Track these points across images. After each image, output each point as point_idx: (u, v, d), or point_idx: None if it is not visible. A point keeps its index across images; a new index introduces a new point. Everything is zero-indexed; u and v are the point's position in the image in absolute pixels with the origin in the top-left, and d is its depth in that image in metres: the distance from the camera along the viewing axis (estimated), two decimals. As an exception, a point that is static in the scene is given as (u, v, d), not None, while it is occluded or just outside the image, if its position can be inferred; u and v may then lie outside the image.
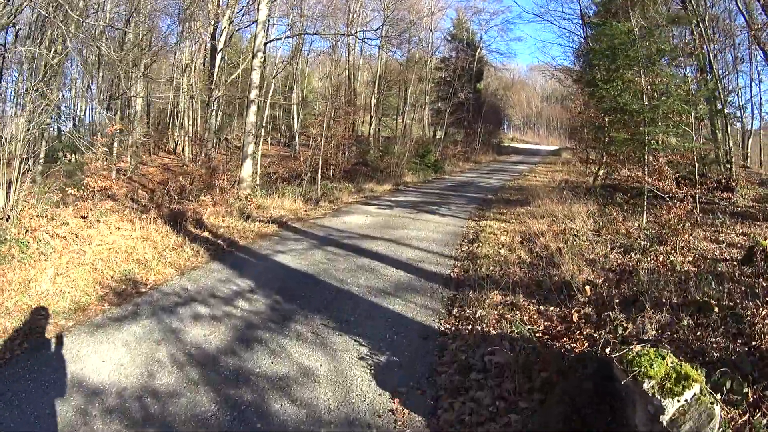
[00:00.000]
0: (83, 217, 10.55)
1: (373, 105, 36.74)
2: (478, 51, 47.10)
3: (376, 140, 35.90)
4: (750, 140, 25.30)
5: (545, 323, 6.03)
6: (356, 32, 32.62)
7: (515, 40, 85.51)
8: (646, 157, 12.20)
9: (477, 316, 6.29)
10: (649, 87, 12.16)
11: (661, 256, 8.72)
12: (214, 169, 20.58)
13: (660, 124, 11.84)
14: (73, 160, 20.18)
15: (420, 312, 6.73)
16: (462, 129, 46.03)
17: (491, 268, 8.45)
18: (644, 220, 11.89)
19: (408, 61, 40.17)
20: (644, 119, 11.81)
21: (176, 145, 31.82)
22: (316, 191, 18.82)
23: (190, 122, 30.56)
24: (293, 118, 35.46)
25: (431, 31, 40.73)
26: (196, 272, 8.46)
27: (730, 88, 23.61)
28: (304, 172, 21.82)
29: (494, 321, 6.10)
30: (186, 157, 27.62)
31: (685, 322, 5.41)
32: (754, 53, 24.21)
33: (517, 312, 6.36)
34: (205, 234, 11.03)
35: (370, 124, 36.99)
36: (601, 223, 11.55)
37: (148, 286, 7.75)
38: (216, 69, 24.49)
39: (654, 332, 5.53)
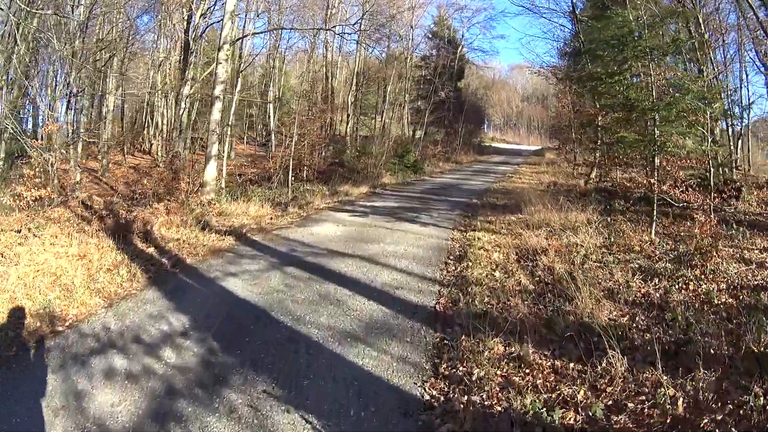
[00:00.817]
0: (18, 231, 9.07)
1: (350, 103, 35.20)
2: (460, 49, 46.21)
3: (354, 140, 34.76)
4: (740, 141, 24.14)
5: (566, 389, 4.43)
6: (334, 26, 30.94)
7: (498, 38, 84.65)
8: (656, 160, 10.66)
9: (473, 378, 4.66)
10: (660, 82, 10.65)
11: (691, 283, 7.20)
12: (176, 171, 18.99)
13: (675, 123, 10.31)
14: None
15: (397, 369, 5.04)
16: (442, 128, 45.08)
17: (486, 299, 6.81)
18: (653, 232, 10.43)
19: (387, 58, 38.89)
20: (655, 118, 10.26)
21: (151, 145, 30.77)
22: (286, 195, 17.48)
23: (165, 121, 29.61)
24: (269, 117, 34.22)
25: (412, 27, 39.53)
26: (127, 303, 6.73)
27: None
28: (275, 173, 20.26)
29: (497, 388, 4.48)
30: (159, 157, 26.82)
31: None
32: (745, 53, 23.37)
33: (527, 372, 4.76)
34: (151, 250, 9.33)
35: (347, 123, 35.43)
36: (607, 236, 10.01)
37: (66, 323, 6.05)
38: (188, 65, 23.05)
39: (714, 406, 4.04)
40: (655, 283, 7.25)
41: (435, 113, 41.96)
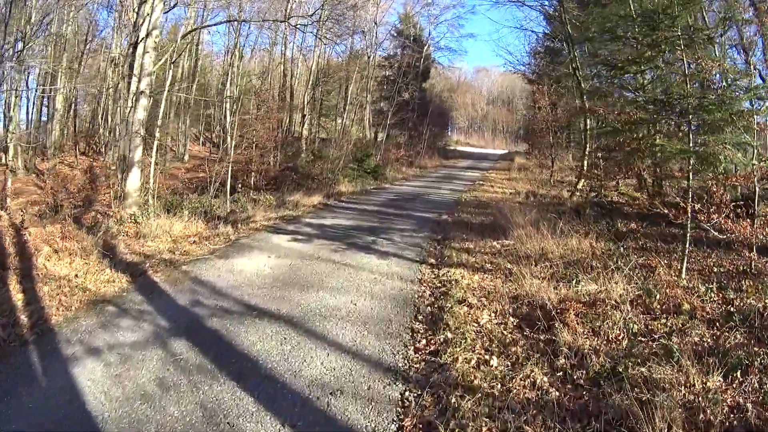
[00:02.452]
0: None
1: (306, 102, 32.24)
2: (426, 48, 44.21)
3: (310, 142, 32.11)
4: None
5: None
6: (290, 17, 27.92)
7: (467, 37, 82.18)
8: (690, 175, 7.86)
9: None
10: (710, 74, 7.85)
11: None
12: (93, 180, 16.25)
13: (728, 129, 7.54)
14: None
15: None
16: (406, 131, 42.61)
17: (484, 425, 3.91)
18: (684, 270, 7.72)
19: (350, 57, 36.35)
20: (699, 121, 7.47)
21: (105, 146, 28.04)
22: (224, 207, 14.95)
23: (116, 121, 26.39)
24: (224, 117, 31.07)
25: (376, 24, 37.20)
26: None
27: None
28: (212, 182, 17.36)
29: None
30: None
31: None
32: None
33: None
34: (18, 297, 6.63)
35: (302, 124, 32.44)
36: (636, 280, 7.19)
37: None
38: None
39: None
40: (741, 381, 4.46)
41: (398, 115, 39.57)
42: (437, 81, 57.50)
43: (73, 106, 28.36)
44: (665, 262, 8.47)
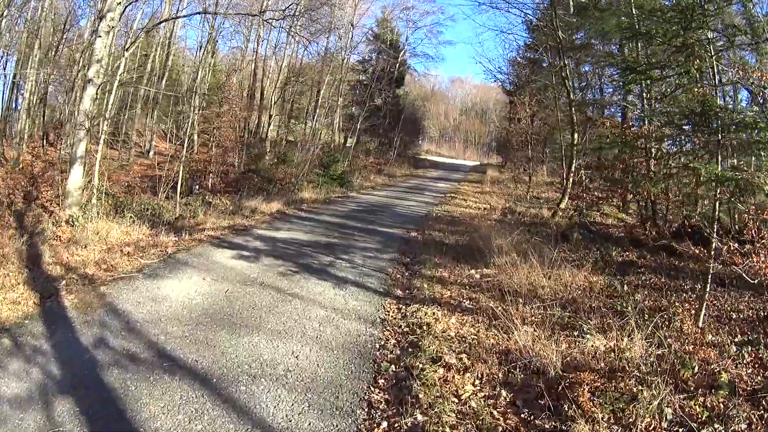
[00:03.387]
0: None
1: (274, 102, 30.58)
2: (402, 53, 43.09)
3: (275, 144, 30.56)
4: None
5: None
6: (264, 11, 26.30)
7: (445, 44, 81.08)
8: (716, 205, 6.42)
9: None
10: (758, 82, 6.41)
11: None
12: (33, 176, 14.82)
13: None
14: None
15: None
16: (376, 137, 41.25)
17: None
18: (702, 317, 6.36)
19: (324, 59, 34.69)
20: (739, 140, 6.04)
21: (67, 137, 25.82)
22: (175, 211, 13.91)
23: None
24: (193, 113, 29.34)
25: (352, 26, 35.72)
26: None
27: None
28: (162, 182, 15.79)
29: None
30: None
31: None
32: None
33: None
34: None
35: (268, 125, 30.73)
36: (652, 332, 5.71)
37: None
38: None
39: None
40: None
41: (370, 120, 38.40)
42: (411, 88, 56.54)
43: (42, 95, 26.49)
44: (677, 304, 7.12)
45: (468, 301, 7.19)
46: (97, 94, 12.55)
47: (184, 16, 25.95)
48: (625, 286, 7.95)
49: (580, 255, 10.57)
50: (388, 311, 6.78)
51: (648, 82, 8.50)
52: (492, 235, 11.20)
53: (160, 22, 24.27)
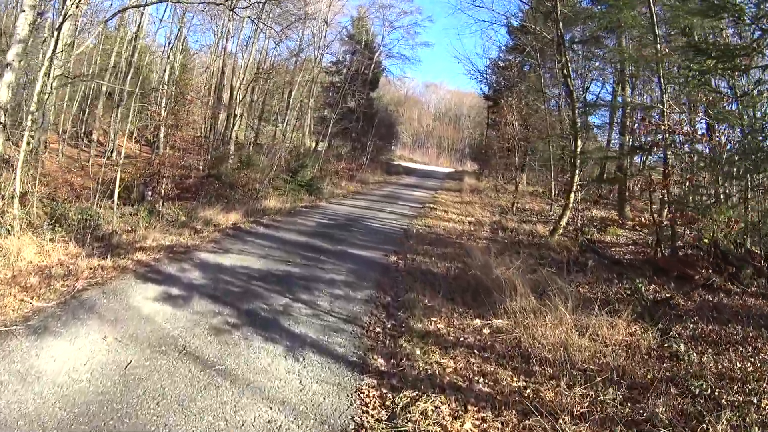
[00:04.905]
0: None
1: (239, 101, 28.14)
2: (377, 54, 41.27)
3: (241, 147, 28.47)
4: None
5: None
6: (235, 7, 24.02)
7: (422, 45, 79.51)
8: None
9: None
10: None
11: None
12: None
13: None
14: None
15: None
16: (349, 141, 39.07)
17: None
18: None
19: (296, 54, 32.66)
20: None
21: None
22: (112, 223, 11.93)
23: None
24: (159, 111, 27.16)
25: (326, 23, 33.50)
26: None
27: None
28: (93, 190, 13.53)
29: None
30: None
31: None
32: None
33: None
34: None
35: (232, 126, 28.20)
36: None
37: None
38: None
39: None
40: None
41: (342, 123, 36.26)
42: (385, 91, 54.74)
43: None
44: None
45: (482, 380, 4.87)
46: (19, 81, 10.21)
47: (145, 5, 23.53)
48: (674, 341, 5.81)
49: (602, 289, 8.52)
50: (368, 405, 4.37)
51: (730, 72, 6.38)
52: (490, 261, 9.02)
53: (120, 11, 21.94)
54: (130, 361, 4.74)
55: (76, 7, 15.80)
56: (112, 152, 25.51)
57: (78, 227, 10.59)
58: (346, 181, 30.02)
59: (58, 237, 9.45)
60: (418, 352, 5.40)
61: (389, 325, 6.39)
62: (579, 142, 13.79)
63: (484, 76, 34.92)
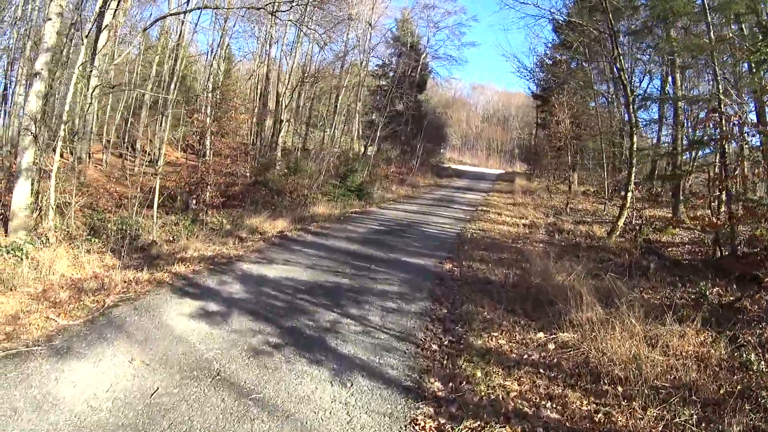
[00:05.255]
0: None
1: (284, 107, 28.05)
2: (424, 56, 40.77)
3: (288, 153, 28.32)
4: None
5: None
6: (277, 10, 23.99)
7: (468, 45, 78.41)
8: None
9: None
10: None
11: None
12: None
13: None
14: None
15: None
16: (398, 145, 38.64)
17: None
18: None
19: (342, 58, 32.76)
20: None
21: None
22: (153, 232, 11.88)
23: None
24: (204, 119, 27.50)
25: (371, 26, 33.34)
26: None
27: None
28: (131, 199, 13.57)
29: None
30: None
31: None
32: None
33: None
34: None
35: (278, 132, 28.12)
36: None
37: None
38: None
39: None
40: None
41: (390, 126, 35.87)
42: (433, 93, 54.30)
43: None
44: None
45: (550, 405, 4.43)
46: (48, 90, 10.23)
47: (184, 12, 23.70)
48: (752, 353, 5.28)
49: (666, 293, 8.00)
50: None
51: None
52: (550, 266, 8.55)
53: (159, 19, 22.22)
54: (157, 388, 4.45)
55: (113, 18, 16.00)
56: (156, 161, 25.90)
57: (116, 238, 10.55)
58: (397, 185, 29.58)
59: (95, 248, 9.43)
60: (479, 374, 4.97)
61: (446, 342, 5.96)
62: (635, 139, 13.18)
63: (532, 73, 34.11)
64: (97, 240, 10.15)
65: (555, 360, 5.40)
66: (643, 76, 21.71)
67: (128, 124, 25.93)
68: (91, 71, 16.00)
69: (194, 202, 16.75)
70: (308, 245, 11.40)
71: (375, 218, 16.78)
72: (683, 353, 5.30)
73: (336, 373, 4.99)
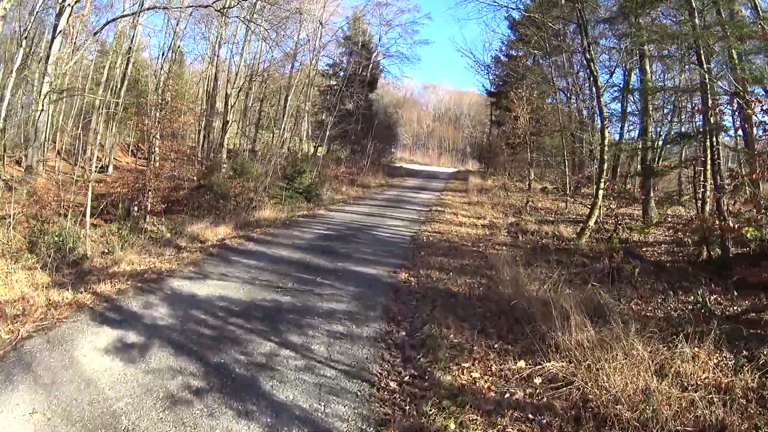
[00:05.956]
0: None
1: (230, 106, 26.69)
2: (375, 55, 39.80)
3: (235, 155, 26.84)
4: None
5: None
6: (227, 7, 22.69)
7: (421, 43, 77.98)
8: None
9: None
10: None
11: None
12: None
13: None
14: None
15: None
16: (348, 145, 37.61)
17: None
18: None
19: (292, 56, 31.52)
20: None
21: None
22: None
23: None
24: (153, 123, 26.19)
25: (321, 25, 32.11)
26: None
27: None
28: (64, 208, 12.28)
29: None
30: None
31: None
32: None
33: None
34: None
35: (224, 133, 26.64)
36: None
37: None
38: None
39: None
40: None
41: (340, 126, 34.46)
42: (384, 92, 53.23)
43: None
44: None
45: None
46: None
47: (133, 14, 22.46)
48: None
49: (657, 303, 7.03)
50: None
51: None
52: (521, 274, 7.49)
53: (109, 22, 21.41)
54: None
55: (67, 23, 15.00)
56: (107, 167, 24.57)
57: (51, 252, 9.55)
58: (347, 185, 28.47)
59: (29, 263, 8.73)
60: (452, 425, 3.82)
61: (407, 377, 4.79)
62: (606, 133, 12.30)
63: (488, 69, 33.54)
64: (30, 255, 9.09)
65: (544, 399, 4.30)
66: (614, 69, 20.91)
67: (80, 130, 24.42)
68: (44, 78, 15.55)
69: (136, 209, 15.47)
70: (249, 255, 10.08)
71: (323, 222, 15.49)
72: (700, 383, 4.29)
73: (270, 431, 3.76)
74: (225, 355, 5.15)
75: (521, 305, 6.23)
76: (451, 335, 5.70)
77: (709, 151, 9.96)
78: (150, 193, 15.64)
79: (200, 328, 5.88)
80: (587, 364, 4.54)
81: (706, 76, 9.36)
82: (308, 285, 7.92)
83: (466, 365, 4.94)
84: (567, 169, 20.30)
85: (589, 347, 4.80)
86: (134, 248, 10.41)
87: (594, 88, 13.72)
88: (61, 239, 10.50)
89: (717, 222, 9.04)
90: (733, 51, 9.07)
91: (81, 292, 6.88)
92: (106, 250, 10.77)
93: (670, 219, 14.07)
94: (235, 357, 5.10)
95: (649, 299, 7.33)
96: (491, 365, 4.99)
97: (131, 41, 25.86)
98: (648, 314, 6.50)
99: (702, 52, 9.64)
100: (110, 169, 24.85)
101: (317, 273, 8.72)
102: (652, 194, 14.83)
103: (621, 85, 18.55)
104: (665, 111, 16.24)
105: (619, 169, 18.99)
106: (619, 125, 19.16)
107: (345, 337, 5.75)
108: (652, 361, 4.48)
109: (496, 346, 5.42)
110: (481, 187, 28.60)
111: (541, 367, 4.76)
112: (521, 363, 4.94)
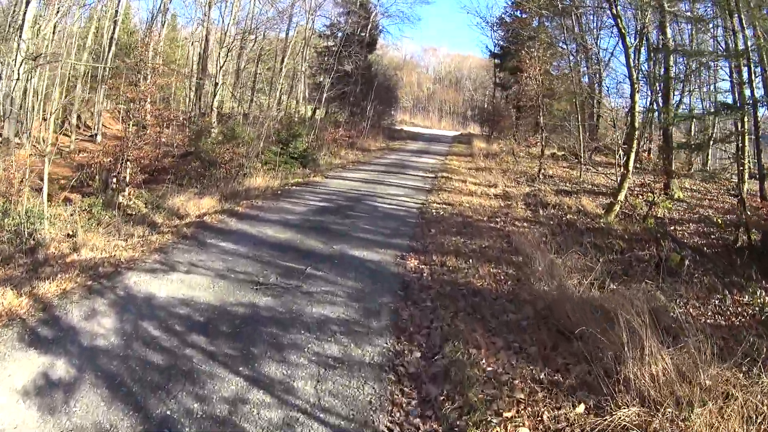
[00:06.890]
0: None
1: (220, 67, 25.18)
2: (374, 15, 37.98)
3: (226, 119, 25.11)
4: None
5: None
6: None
7: (421, 3, 75.56)
8: None
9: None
10: None
11: None
12: None
13: None
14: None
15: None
16: (347, 107, 36.41)
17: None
18: None
19: (287, 15, 29.88)
20: None
21: None
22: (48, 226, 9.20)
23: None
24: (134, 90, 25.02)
25: (317, -20, 30.44)
26: None
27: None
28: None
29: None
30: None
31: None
32: None
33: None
34: None
35: (213, 96, 25.06)
36: None
37: None
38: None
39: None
40: None
41: (338, 87, 32.95)
42: (383, 54, 51.80)
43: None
44: None
45: None
46: None
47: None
48: None
49: (713, 305, 5.73)
50: None
51: None
52: (557, 266, 6.14)
53: None
54: None
55: None
56: (96, 136, 23.71)
57: (11, 236, 8.33)
58: (346, 149, 27.18)
59: None
60: None
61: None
62: (636, 98, 10.86)
63: (493, 28, 32.07)
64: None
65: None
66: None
67: (65, 99, 23.57)
68: (18, 45, 14.96)
69: (114, 181, 14.07)
70: (229, 236, 8.58)
71: (319, 191, 13.99)
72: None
73: None
74: (173, 401, 3.73)
75: (562, 309, 4.91)
76: (482, 360, 4.28)
77: (752, 125, 8.70)
78: (128, 162, 14.26)
79: (149, 352, 4.42)
80: (668, 411, 3.23)
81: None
82: (295, 278, 6.47)
83: (509, 414, 3.53)
84: (580, 135, 18.85)
85: (664, 382, 3.48)
86: (102, 228, 8.98)
87: (622, 45, 12.08)
88: (20, 221, 9.01)
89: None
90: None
91: (20, 296, 5.34)
92: (71, 232, 9.32)
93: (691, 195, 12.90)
94: (186, 406, 3.69)
95: (706, 300, 6.01)
96: (542, 412, 3.59)
97: (117, 4, 25.18)
98: (708, 320, 5.22)
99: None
100: (99, 137, 23.85)
101: (308, 260, 7.28)
102: (674, 167, 13.66)
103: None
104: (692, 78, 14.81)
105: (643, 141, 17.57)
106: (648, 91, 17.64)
107: (340, 365, 4.32)
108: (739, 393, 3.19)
109: (542, 376, 4.02)
110: (486, 151, 27.27)
111: (611, 419, 3.38)
112: (580, 408, 3.58)
